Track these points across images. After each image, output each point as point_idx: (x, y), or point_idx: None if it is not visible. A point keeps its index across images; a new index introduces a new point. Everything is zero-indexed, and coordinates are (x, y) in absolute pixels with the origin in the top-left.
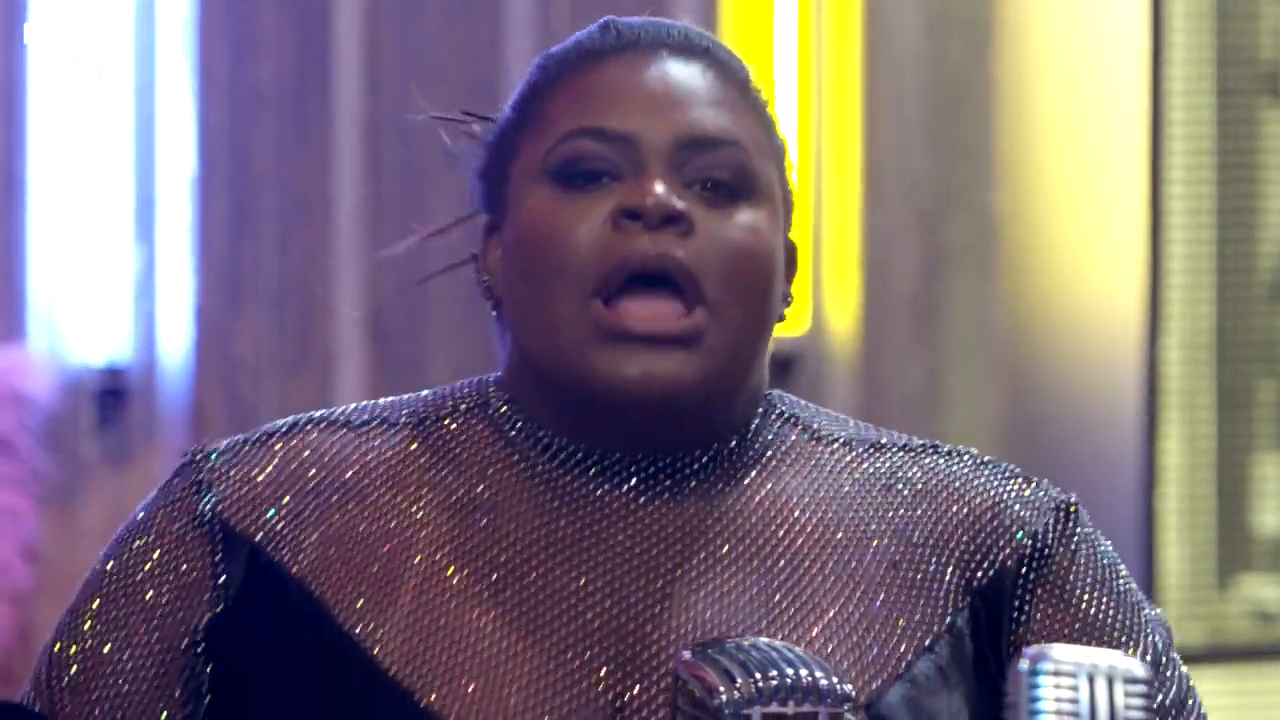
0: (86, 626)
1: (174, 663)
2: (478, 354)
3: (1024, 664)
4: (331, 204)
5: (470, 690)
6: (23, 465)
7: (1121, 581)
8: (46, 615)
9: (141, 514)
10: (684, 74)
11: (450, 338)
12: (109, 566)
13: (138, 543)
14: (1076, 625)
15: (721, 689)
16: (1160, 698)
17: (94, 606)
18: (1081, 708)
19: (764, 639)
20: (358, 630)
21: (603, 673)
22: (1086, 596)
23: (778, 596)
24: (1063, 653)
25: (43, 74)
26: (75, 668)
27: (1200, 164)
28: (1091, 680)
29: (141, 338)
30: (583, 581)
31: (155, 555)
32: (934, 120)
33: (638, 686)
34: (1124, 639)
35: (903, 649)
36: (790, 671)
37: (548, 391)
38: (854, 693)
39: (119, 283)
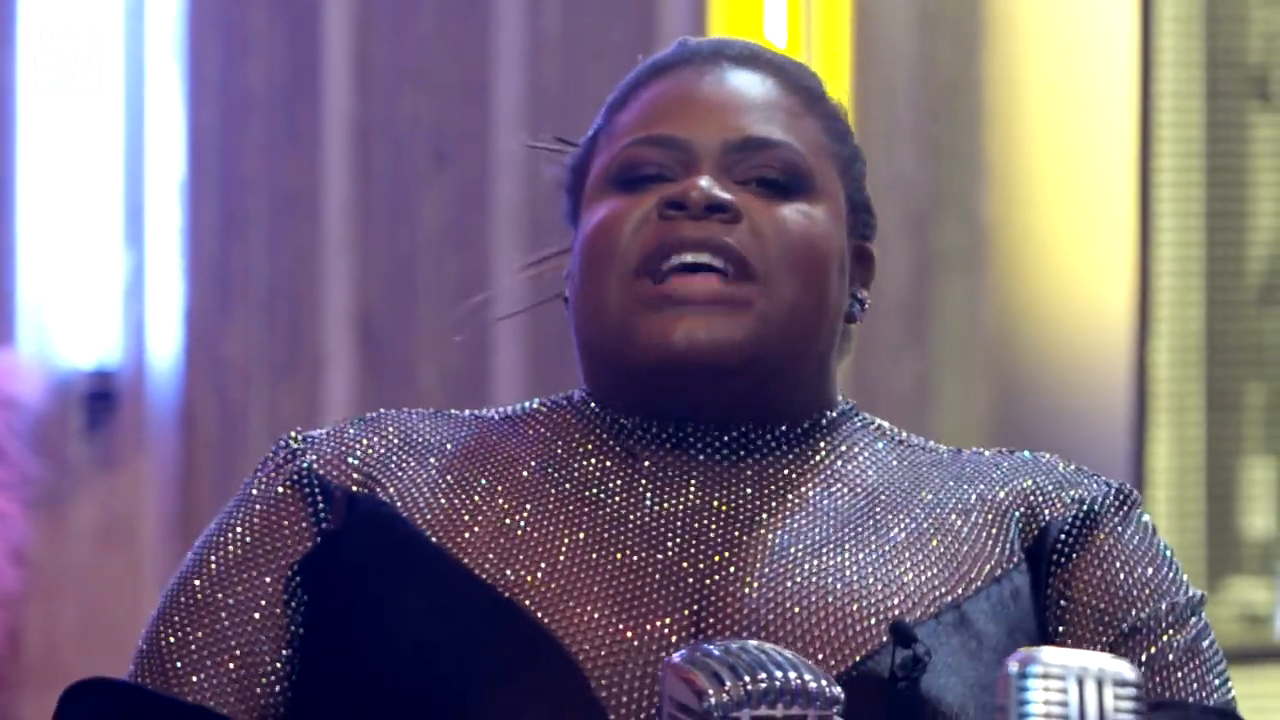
0: (196, 583)
1: (277, 605)
2: (467, 357)
3: (1013, 667)
4: (321, 206)
5: (552, 589)
6: (11, 468)
7: (1166, 553)
8: (35, 619)
9: (239, 494)
10: (741, 81)
11: (439, 341)
12: (214, 537)
13: (239, 514)
14: (1106, 579)
15: (710, 691)
16: (1179, 639)
17: (201, 570)
18: (1071, 710)
19: (753, 642)
20: (447, 545)
21: (686, 578)
22: (1123, 559)
23: (848, 530)
24: (1051, 656)
25: (32, 76)
26: (183, 633)
27: (1189, 167)
28: (1081, 683)
29: (131, 340)
30: (663, 523)
31: (257, 517)
32: (924, 122)
33: (718, 575)
34: (1150, 593)
35: (975, 573)
36: (779, 674)
37: (608, 374)
38: (841, 695)
39: (108, 285)
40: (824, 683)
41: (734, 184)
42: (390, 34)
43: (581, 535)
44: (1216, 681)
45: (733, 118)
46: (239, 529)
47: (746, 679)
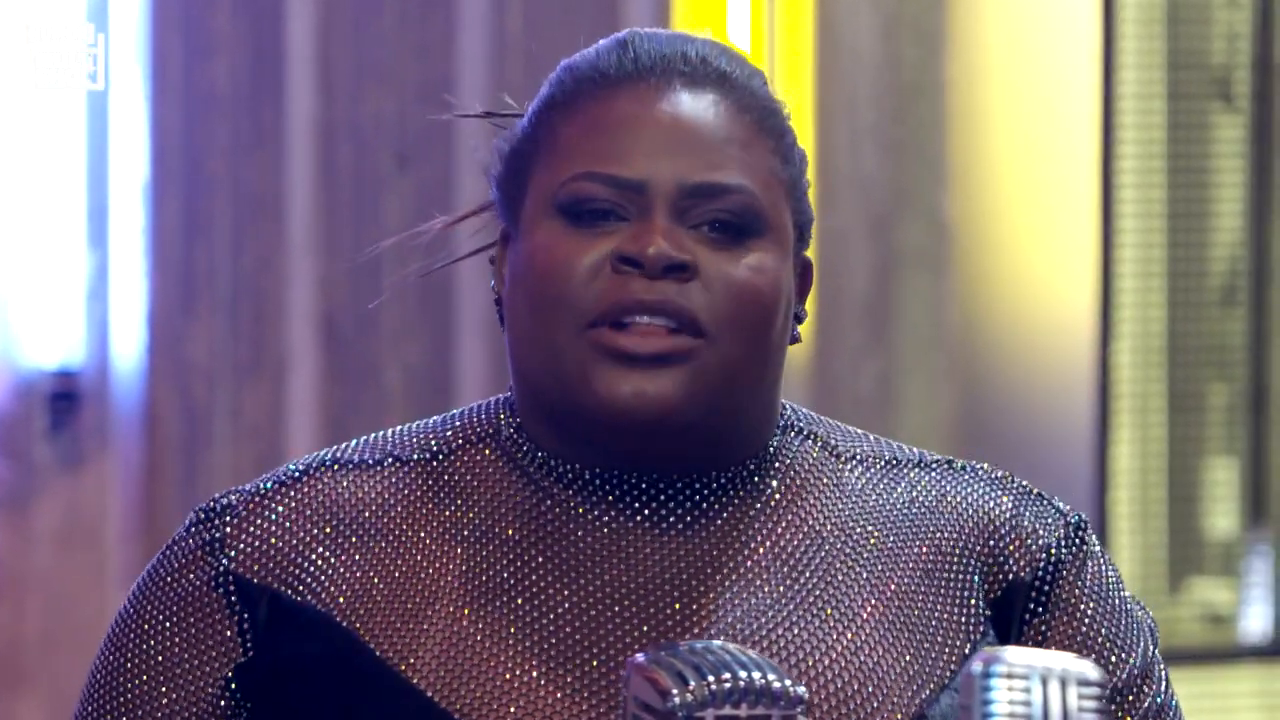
0: (118, 699)
1: (208, 715)
2: (431, 357)
3: (977, 666)
4: (285, 207)
5: (512, 712)
6: None
7: (1120, 594)
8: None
9: (156, 578)
10: (695, 109)
11: (403, 341)
12: (129, 637)
13: (154, 611)
14: (1079, 637)
15: (674, 691)
16: (1146, 702)
17: (119, 679)
18: (1034, 710)
19: (717, 642)
20: (394, 659)
21: None
22: (1090, 609)
23: (809, 604)
24: (1015, 655)
25: None
26: None
27: (1152, 168)
28: (1044, 682)
29: (94, 341)
30: (617, 609)
31: (174, 620)
32: (887, 124)
33: None
34: (1118, 650)
35: (946, 656)
36: (744, 674)
37: (550, 416)
38: (806, 695)
39: (72, 286)
40: (788, 683)
41: (688, 229)
42: (353, 35)
43: (532, 642)
44: None
45: (687, 155)
46: (163, 634)
47: (711, 679)
